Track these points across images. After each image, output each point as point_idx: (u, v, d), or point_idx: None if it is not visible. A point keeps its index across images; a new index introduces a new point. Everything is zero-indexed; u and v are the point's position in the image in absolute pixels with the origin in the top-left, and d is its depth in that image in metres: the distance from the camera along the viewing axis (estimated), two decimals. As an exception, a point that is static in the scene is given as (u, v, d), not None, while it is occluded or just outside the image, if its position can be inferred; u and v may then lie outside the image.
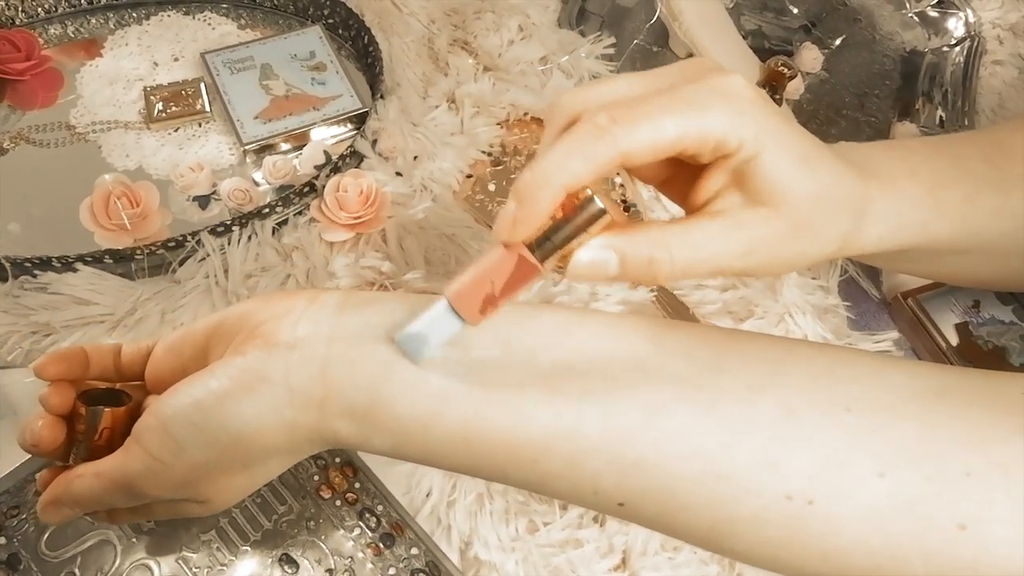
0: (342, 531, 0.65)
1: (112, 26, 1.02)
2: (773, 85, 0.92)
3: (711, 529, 0.43)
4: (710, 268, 0.46)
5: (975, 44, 1.06)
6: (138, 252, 0.78)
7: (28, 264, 0.77)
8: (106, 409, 0.51)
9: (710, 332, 0.48)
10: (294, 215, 0.84)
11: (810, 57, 1.05)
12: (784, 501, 0.41)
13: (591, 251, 0.44)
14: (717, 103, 0.42)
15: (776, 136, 0.44)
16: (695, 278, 0.50)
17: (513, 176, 0.92)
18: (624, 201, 0.89)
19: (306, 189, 0.85)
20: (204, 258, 0.80)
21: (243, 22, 1.04)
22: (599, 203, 0.42)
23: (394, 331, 0.46)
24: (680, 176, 0.49)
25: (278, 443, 0.48)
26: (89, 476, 0.50)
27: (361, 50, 1.00)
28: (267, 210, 0.83)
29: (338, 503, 0.66)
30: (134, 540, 0.64)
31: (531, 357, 0.46)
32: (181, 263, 0.80)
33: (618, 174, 0.91)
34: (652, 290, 0.82)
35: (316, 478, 0.67)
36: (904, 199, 0.52)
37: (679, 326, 0.48)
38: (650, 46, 1.05)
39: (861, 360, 0.46)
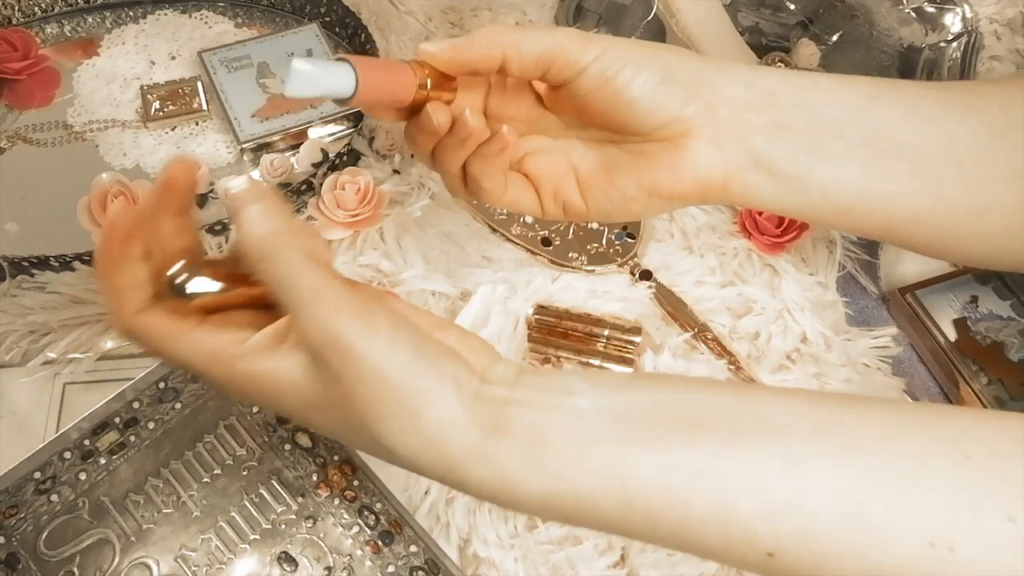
0: (341, 529, 0.65)
1: (109, 25, 1.02)
2: (770, 81, 0.92)
3: None
4: (549, 45, 0.53)
5: (972, 40, 1.06)
6: (136, 251, 0.78)
7: (26, 263, 0.76)
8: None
9: (814, 393, 0.51)
10: (291, 214, 0.84)
11: (807, 53, 1.05)
12: (928, 548, 0.41)
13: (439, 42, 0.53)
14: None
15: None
16: (534, 59, 0.53)
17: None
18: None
19: (303, 187, 0.85)
20: (202, 257, 0.80)
21: (240, 20, 1.04)
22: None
23: (567, 395, 0.46)
24: None
25: (436, 443, 0.45)
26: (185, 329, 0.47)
27: (358, 48, 1.00)
28: (265, 208, 0.82)
29: (337, 501, 0.66)
30: (133, 539, 0.64)
31: (673, 406, 0.46)
32: (179, 262, 0.80)
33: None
34: (650, 286, 0.82)
35: (315, 476, 0.67)
36: (780, 74, 0.57)
37: (784, 389, 0.50)
38: (647, 43, 1.05)
39: (963, 412, 0.47)
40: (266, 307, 0.48)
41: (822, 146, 0.56)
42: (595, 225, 0.86)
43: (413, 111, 0.54)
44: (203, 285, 0.47)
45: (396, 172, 0.88)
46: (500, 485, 0.45)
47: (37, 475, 0.65)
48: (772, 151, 0.55)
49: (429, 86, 0.52)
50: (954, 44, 1.07)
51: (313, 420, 0.47)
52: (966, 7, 1.09)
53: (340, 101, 0.48)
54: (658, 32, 1.05)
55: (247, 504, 0.66)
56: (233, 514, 0.65)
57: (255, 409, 0.69)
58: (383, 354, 0.43)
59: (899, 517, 0.42)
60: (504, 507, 0.47)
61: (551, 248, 0.84)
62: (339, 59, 0.47)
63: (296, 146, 0.92)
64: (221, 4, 1.05)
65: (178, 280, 0.46)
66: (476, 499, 0.48)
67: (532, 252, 0.84)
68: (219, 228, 0.80)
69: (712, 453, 0.44)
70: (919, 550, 0.41)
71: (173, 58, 0.99)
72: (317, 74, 0.46)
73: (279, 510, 0.66)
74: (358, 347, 0.43)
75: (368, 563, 0.64)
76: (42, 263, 0.77)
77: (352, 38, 1.01)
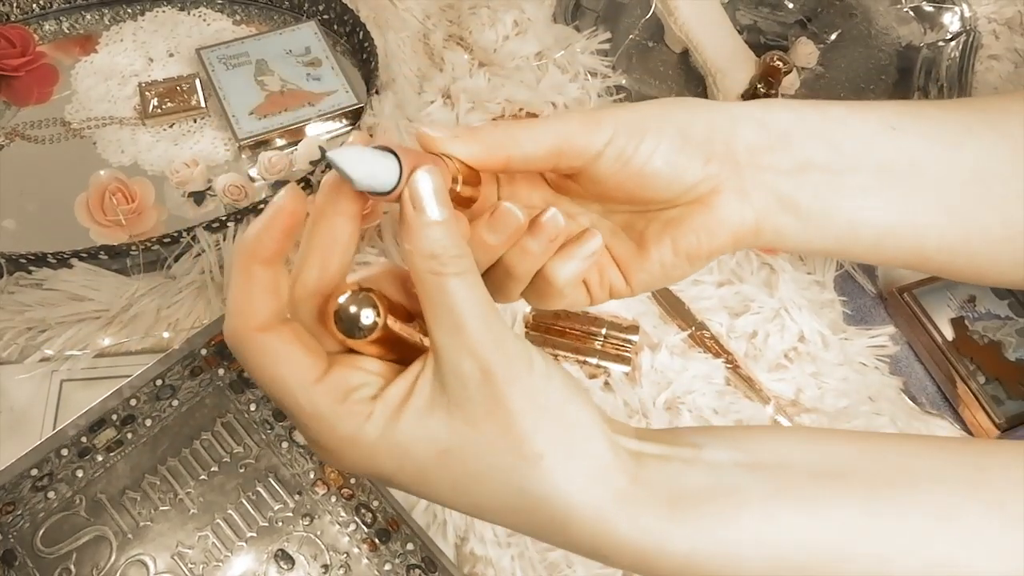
0: (338, 527, 0.65)
1: (107, 22, 1.02)
2: (769, 80, 0.92)
3: None
4: (561, 133, 0.48)
5: (971, 39, 1.06)
6: (133, 248, 0.78)
7: (23, 260, 0.76)
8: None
9: (933, 438, 0.49)
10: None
11: (805, 52, 1.05)
12: None
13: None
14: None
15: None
16: (545, 158, 0.48)
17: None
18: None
19: (301, 185, 0.85)
20: (199, 254, 0.80)
21: (238, 18, 1.04)
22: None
23: (695, 447, 0.44)
24: None
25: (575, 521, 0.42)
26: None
27: (356, 46, 1.00)
28: (262, 206, 0.82)
29: (334, 499, 0.66)
30: (130, 536, 0.64)
31: (802, 459, 0.44)
32: (176, 259, 0.80)
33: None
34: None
35: (312, 474, 0.67)
36: (790, 108, 0.53)
37: (899, 436, 0.48)
38: (645, 41, 1.05)
39: None
40: (399, 351, 0.43)
41: (843, 181, 0.53)
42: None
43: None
44: (378, 321, 0.40)
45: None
46: (651, 542, 0.41)
47: (34, 472, 0.65)
48: (796, 192, 0.53)
49: (459, 185, 0.45)
50: (952, 43, 1.07)
51: (438, 477, 0.41)
52: (964, 6, 1.09)
53: (377, 194, 0.41)
54: (656, 30, 1.05)
55: (244, 501, 0.66)
56: (230, 511, 0.65)
57: (252, 407, 0.69)
58: (543, 384, 0.41)
59: None
60: (646, 571, 0.43)
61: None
62: (381, 148, 0.40)
63: (294, 143, 0.92)
64: (219, 1, 1.05)
65: (352, 309, 0.39)
66: (615, 564, 0.43)
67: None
68: (216, 226, 0.80)
69: (862, 509, 0.42)
70: None
71: (171, 55, 0.99)
72: (357, 163, 0.39)
73: (276, 508, 0.66)
74: (521, 374, 0.40)
75: (365, 561, 0.64)
76: (40, 260, 0.77)
77: (350, 35, 1.01)
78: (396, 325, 0.41)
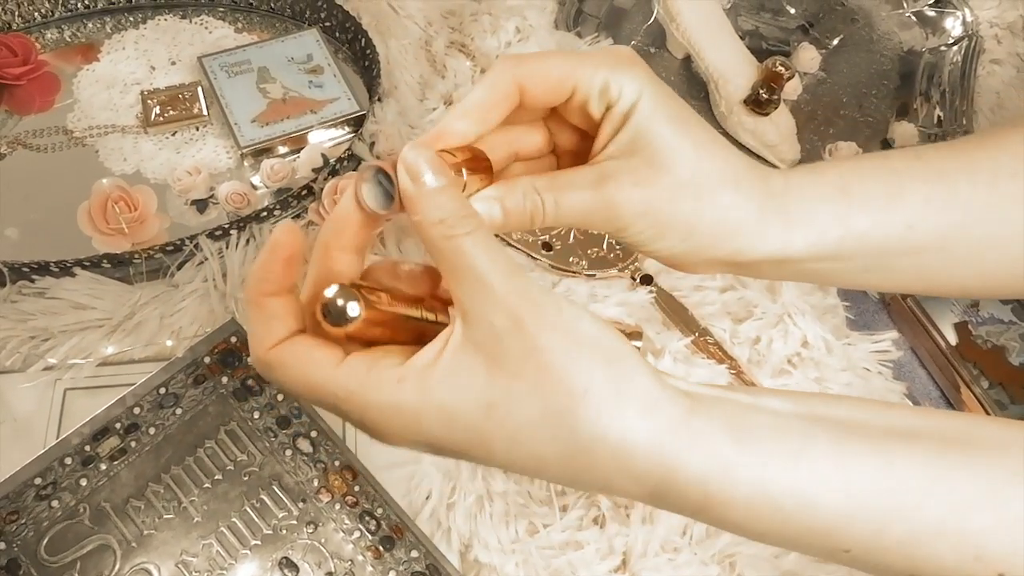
0: (342, 534, 0.65)
1: (109, 30, 1.02)
2: (771, 86, 0.92)
3: None
4: (579, 217, 0.49)
5: (973, 43, 1.06)
6: (136, 256, 0.78)
7: (26, 269, 0.76)
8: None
9: (979, 416, 0.48)
10: (292, 218, 0.84)
11: (808, 57, 1.05)
12: None
13: (479, 204, 0.47)
14: (603, 56, 0.49)
15: (654, 90, 0.49)
16: (574, 224, 0.50)
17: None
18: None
19: (304, 192, 0.85)
20: (202, 262, 0.80)
21: (240, 25, 1.04)
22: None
23: (753, 395, 0.44)
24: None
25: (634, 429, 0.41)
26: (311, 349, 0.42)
27: (358, 53, 1.00)
28: (265, 213, 0.82)
29: (338, 506, 0.66)
30: (134, 545, 0.63)
31: (864, 418, 0.44)
32: (179, 267, 0.80)
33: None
34: (651, 291, 0.82)
35: (316, 481, 0.67)
36: (814, 195, 0.52)
37: (949, 412, 0.48)
38: (647, 47, 1.05)
39: None
40: (416, 337, 0.44)
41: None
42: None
43: None
44: (362, 309, 0.41)
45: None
46: (717, 467, 0.40)
47: (38, 481, 0.65)
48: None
49: (465, 176, 0.46)
50: (955, 48, 1.07)
51: (490, 432, 0.41)
52: (967, 11, 1.09)
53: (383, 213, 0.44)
54: (658, 36, 1.05)
55: (248, 509, 0.66)
56: (234, 519, 0.65)
57: (256, 415, 0.69)
58: (575, 324, 0.40)
59: None
60: (712, 507, 0.42)
61: (552, 253, 0.84)
62: (379, 170, 0.43)
63: (297, 151, 0.92)
64: (221, 9, 1.05)
65: (338, 302, 0.41)
66: (679, 502, 0.42)
67: (532, 257, 0.84)
68: (219, 233, 0.80)
69: (935, 462, 0.41)
70: None
71: (173, 63, 0.99)
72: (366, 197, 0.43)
73: (280, 515, 0.66)
74: (552, 317, 0.40)
75: (369, 568, 0.64)
76: (42, 268, 0.77)
77: (352, 43, 1.01)
78: (393, 307, 0.42)
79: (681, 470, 0.40)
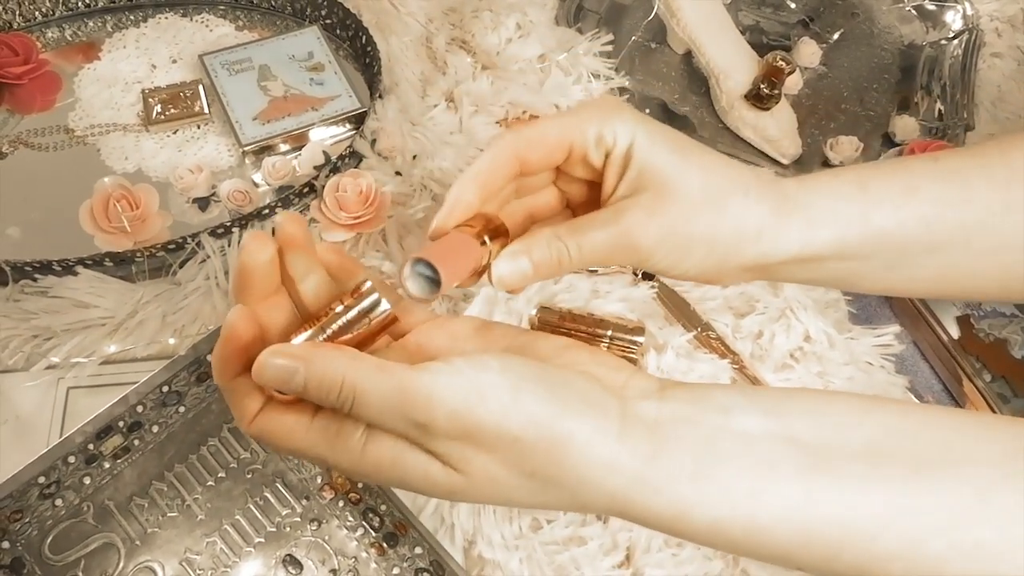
0: (345, 531, 0.65)
1: (109, 29, 1.02)
2: (772, 80, 0.92)
3: None
4: (602, 255, 0.51)
5: (973, 37, 1.06)
6: (138, 255, 0.78)
7: (28, 268, 0.77)
8: (389, 308, 0.46)
9: (983, 417, 0.48)
10: (297, 212, 0.84)
11: (808, 52, 1.05)
12: None
13: (507, 261, 0.50)
14: (590, 108, 0.53)
15: (646, 128, 0.52)
16: (598, 265, 0.54)
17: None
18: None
19: (305, 190, 0.85)
20: (204, 260, 0.80)
21: (241, 23, 1.04)
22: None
23: (715, 398, 0.46)
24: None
25: (590, 480, 0.43)
26: (368, 365, 0.42)
27: (359, 50, 1.00)
28: (267, 211, 0.83)
29: (341, 503, 0.66)
30: (138, 543, 0.64)
31: (839, 436, 0.45)
32: (181, 265, 0.80)
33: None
34: (653, 286, 0.82)
35: (319, 479, 0.67)
36: (832, 193, 0.53)
37: (948, 410, 0.48)
38: (648, 43, 1.05)
39: None
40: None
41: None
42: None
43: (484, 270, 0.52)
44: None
45: (398, 174, 0.88)
46: (670, 511, 0.43)
47: (41, 479, 0.65)
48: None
49: (488, 243, 0.50)
50: (955, 41, 1.07)
51: (458, 499, 0.46)
52: (967, 4, 1.09)
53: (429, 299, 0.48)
54: (659, 32, 1.05)
55: (252, 507, 0.66)
56: (238, 517, 0.65)
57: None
58: (504, 418, 0.42)
59: None
60: (672, 534, 0.46)
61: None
62: (417, 260, 0.46)
63: (298, 148, 0.92)
64: (222, 7, 1.05)
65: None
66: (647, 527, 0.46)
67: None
68: (221, 231, 0.80)
69: (899, 489, 0.42)
70: None
71: (174, 61, 0.99)
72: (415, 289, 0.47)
73: (284, 513, 0.66)
74: (476, 421, 0.41)
75: (373, 565, 0.64)
76: (45, 267, 0.77)
77: (353, 40, 1.01)
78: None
79: (643, 518, 0.44)
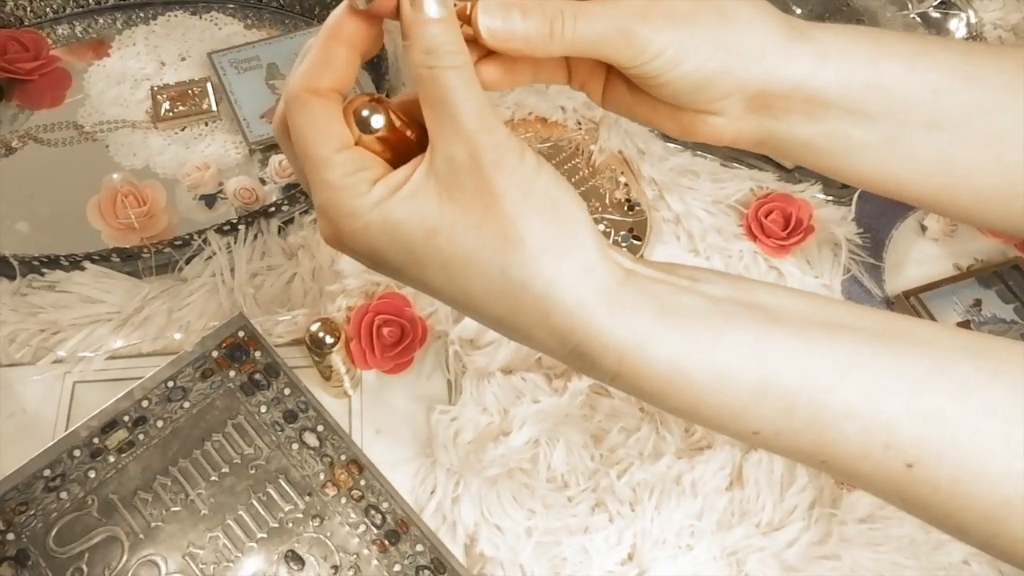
0: (347, 528, 0.66)
1: (119, 26, 1.02)
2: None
3: (987, 520, 0.41)
4: (596, 38, 0.46)
5: (978, 44, 1.07)
6: (145, 250, 0.79)
7: (36, 263, 0.77)
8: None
9: (945, 326, 0.46)
10: (300, 214, 0.85)
11: (814, 57, 1.05)
12: None
13: (496, 10, 0.45)
14: None
15: None
16: (588, 52, 0.48)
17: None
18: (628, 200, 0.90)
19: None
20: (210, 256, 0.80)
21: (249, 22, 1.05)
22: None
23: (693, 280, 0.45)
24: None
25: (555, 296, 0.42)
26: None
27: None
28: (273, 209, 0.83)
29: (343, 500, 0.67)
30: (141, 537, 0.64)
31: (801, 307, 0.44)
32: (188, 261, 0.80)
33: (622, 173, 0.91)
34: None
35: (322, 475, 0.68)
36: (844, 33, 0.51)
37: (906, 317, 0.46)
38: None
39: None
40: (401, 153, 0.46)
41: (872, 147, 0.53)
42: (601, 227, 0.86)
43: None
44: (384, 122, 0.45)
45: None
46: (636, 338, 0.41)
47: (47, 473, 0.65)
48: (814, 141, 0.53)
49: None
50: (960, 48, 1.07)
51: (427, 256, 0.43)
52: (971, 12, 1.09)
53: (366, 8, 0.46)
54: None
55: (255, 503, 0.66)
56: (241, 512, 0.66)
57: (263, 409, 0.70)
58: (532, 175, 0.41)
59: None
60: (625, 375, 0.43)
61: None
62: None
63: (304, 147, 0.92)
64: (231, 6, 1.05)
65: (364, 112, 0.44)
66: (595, 367, 0.43)
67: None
68: (227, 228, 0.81)
69: (857, 349, 0.42)
70: None
71: (183, 59, 1.00)
72: None
73: (286, 509, 0.66)
74: (511, 163, 0.41)
75: (375, 562, 0.65)
76: (52, 262, 0.77)
77: (360, 40, 1.01)
78: (402, 129, 0.45)
79: (599, 336, 0.42)
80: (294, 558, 0.64)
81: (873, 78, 0.51)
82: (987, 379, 0.41)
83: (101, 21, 1.03)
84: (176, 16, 1.04)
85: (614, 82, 0.54)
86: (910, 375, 0.41)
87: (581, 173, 0.92)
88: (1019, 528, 0.40)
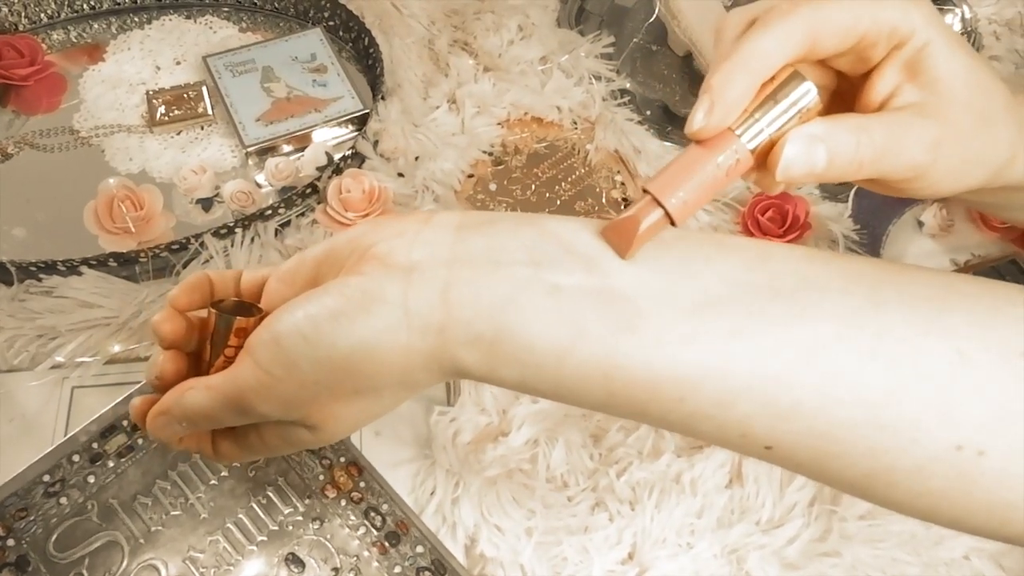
0: (347, 530, 0.66)
1: (114, 31, 1.02)
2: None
3: (867, 477, 0.41)
4: (905, 159, 0.45)
5: (971, 40, 1.06)
6: (142, 255, 0.79)
7: (33, 268, 0.77)
8: (237, 318, 0.48)
9: (863, 265, 0.44)
10: (296, 217, 0.85)
11: (809, 54, 1.05)
12: (953, 452, 0.39)
13: (797, 144, 0.43)
14: None
15: (942, 28, 0.45)
16: (888, 175, 0.46)
17: (515, 175, 0.92)
18: (625, 198, 0.90)
19: (308, 191, 0.85)
20: (207, 260, 0.80)
21: (244, 25, 1.05)
22: (810, 84, 0.42)
23: (520, 252, 0.43)
24: (844, 90, 0.50)
25: (391, 369, 0.44)
26: (200, 388, 0.47)
27: (362, 52, 1.01)
28: (270, 212, 0.83)
29: (343, 502, 0.67)
30: (141, 541, 0.64)
31: (672, 288, 0.41)
32: (185, 265, 0.80)
33: (618, 171, 0.91)
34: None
35: (321, 477, 0.68)
36: None
37: (830, 258, 0.44)
38: (649, 45, 1.06)
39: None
40: None
41: None
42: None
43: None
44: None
45: (400, 175, 0.89)
46: (480, 375, 0.43)
47: (46, 478, 0.65)
48: None
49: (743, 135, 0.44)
50: (955, 44, 1.07)
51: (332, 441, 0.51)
52: (965, 7, 1.09)
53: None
54: (660, 34, 1.05)
55: (254, 506, 0.66)
56: (240, 516, 0.66)
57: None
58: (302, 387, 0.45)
59: (926, 422, 0.39)
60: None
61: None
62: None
63: (301, 149, 0.92)
64: (226, 9, 1.05)
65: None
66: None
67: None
68: (224, 232, 0.81)
69: (714, 345, 0.40)
70: (941, 454, 0.39)
71: (178, 63, 1.00)
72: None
73: (286, 512, 0.66)
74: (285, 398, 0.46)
75: (375, 564, 0.65)
76: (49, 268, 0.77)
77: (356, 41, 1.01)
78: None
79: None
80: (294, 561, 0.64)
81: None
82: (859, 360, 0.40)
83: (96, 26, 1.03)
84: (171, 20, 1.04)
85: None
86: (764, 371, 0.41)
87: (577, 172, 0.93)
88: (893, 486, 0.41)
